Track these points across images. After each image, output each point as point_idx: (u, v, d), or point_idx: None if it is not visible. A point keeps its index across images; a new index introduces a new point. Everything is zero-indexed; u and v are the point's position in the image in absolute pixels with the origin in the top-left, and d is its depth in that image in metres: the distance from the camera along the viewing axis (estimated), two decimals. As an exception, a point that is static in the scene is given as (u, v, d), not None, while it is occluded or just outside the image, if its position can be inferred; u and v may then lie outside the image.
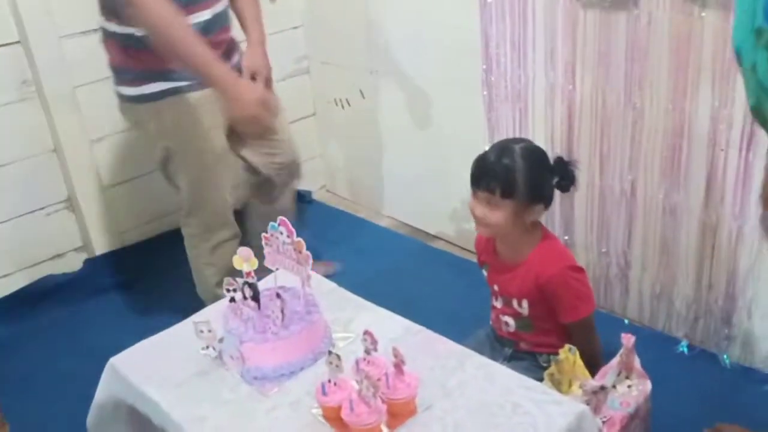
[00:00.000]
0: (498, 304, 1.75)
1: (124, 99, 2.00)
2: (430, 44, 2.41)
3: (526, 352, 1.74)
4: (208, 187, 2.02)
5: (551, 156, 1.66)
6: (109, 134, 2.60)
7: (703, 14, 1.67)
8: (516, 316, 1.71)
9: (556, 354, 1.58)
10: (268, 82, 2.07)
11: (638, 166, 1.94)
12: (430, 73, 2.48)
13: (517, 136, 2.16)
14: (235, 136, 2.01)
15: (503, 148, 1.62)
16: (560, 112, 2.05)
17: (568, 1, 1.90)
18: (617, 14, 1.82)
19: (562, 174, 1.61)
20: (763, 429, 1.70)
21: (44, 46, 2.34)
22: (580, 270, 1.66)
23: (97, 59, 2.49)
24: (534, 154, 1.61)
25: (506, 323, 1.74)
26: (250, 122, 1.85)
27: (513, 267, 1.67)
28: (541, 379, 1.49)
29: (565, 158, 1.65)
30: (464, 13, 2.20)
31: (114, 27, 1.90)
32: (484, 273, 1.80)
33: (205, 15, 1.87)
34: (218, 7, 1.92)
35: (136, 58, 1.88)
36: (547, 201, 1.62)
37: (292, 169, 2.24)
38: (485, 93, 2.22)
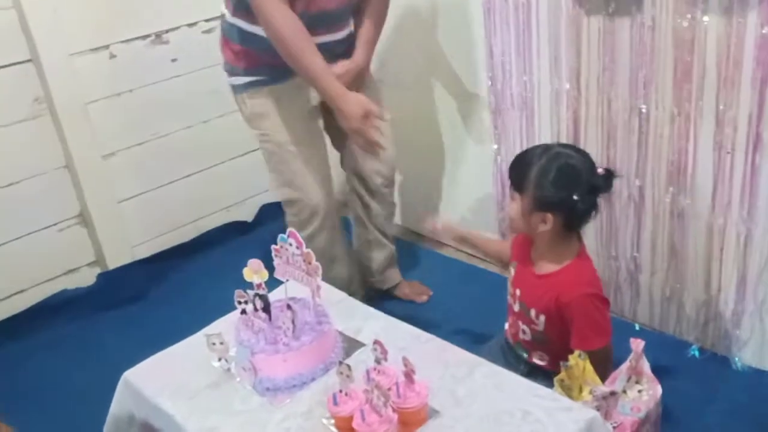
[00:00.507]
0: (516, 308, 1.72)
1: (230, 88, 2.12)
2: (436, 54, 2.43)
3: (540, 369, 1.70)
4: (286, 181, 2.07)
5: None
6: (120, 149, 2.63)
7: (706, 19, 1.67)
8: (531, 326, 1.68)
9: None
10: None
11: (645, 171, 1.95)
12: (435, 81, 2.49)
13: (526, 142, 2.17)
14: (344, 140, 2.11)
15: (542, 146, 1.63)
16: (566, 119, 2.06)
17: (572, 7, 1.91)
18: (621, 20, 1.83)
19: (585, 197, 1.54)
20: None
21: (55, 64, 2.37)
22: (604, 300, 1.61)
23: (108, 75, 2.55)
24: (560, 162, 1.54)
25: (523, 331, 1.71)
26: (356, 134, 1.91)
27: (539, 277, 1.64)
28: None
29: (598, 180, 1.56)
30: (469, 20, 2.21)
31: (240, 23, 1.97)
32: (511, 271, 1.76)
33: (323, 39, 1.93)
34: (339, 35, 1.98)
35: (242, 53, 1.99)
36: (559, 213, 1.55)
37: (390, 180, 2.27)
38: (491, 101, 2.24)
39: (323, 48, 1.89)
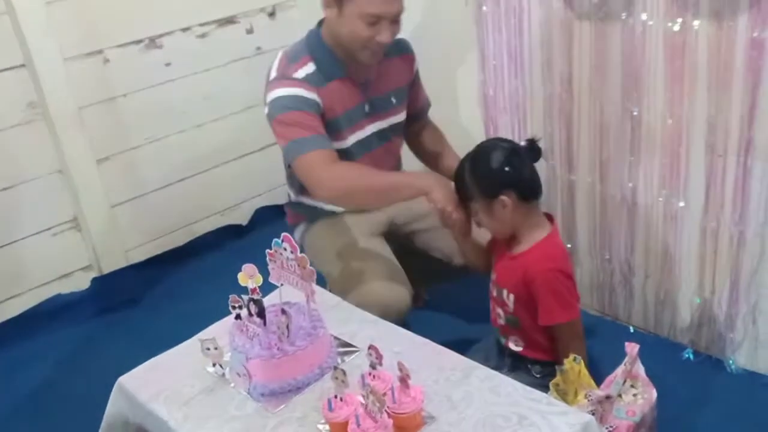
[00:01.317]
0: (494, 292, 1.76)
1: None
2: (428, 57, 2.42)
3: (521, 360, 1.73)
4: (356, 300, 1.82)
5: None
6: (114, 153, 2.63)
7: (696, 23, 1.68)
8: (504, 308, 1.72)
9: (547, 362, 1.62)
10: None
11: (638, 174, 1.95)
12: (427, 84, 2.49)
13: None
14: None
15: (463, 159, 1.70)
16: (559, 122, 2.07)
17: (564, 12, 1.92)
18: (612, 24, 1.83)
19: (512, 163, 1.61)
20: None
21: (49, 69, 2.37)
22: (569, 277, 1.66)
23: (102, 79, 2.55)
24: (477, 153, 1.66)
25: (498, 314, 1.76)
26: (440, 216, 1.76)
27: (512, 257, 1.69)
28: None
29: (521, 143, 1.68)
30: (460, 25, 2.22)
31: (305, 200, 2.03)
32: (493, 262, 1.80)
33: (366, 131, 1.95)
34: (382, 124, 1.98)
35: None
36: (507, 190, 1.60)
37: None
38: (483, 105, 2.24)
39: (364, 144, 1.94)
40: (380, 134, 1.98)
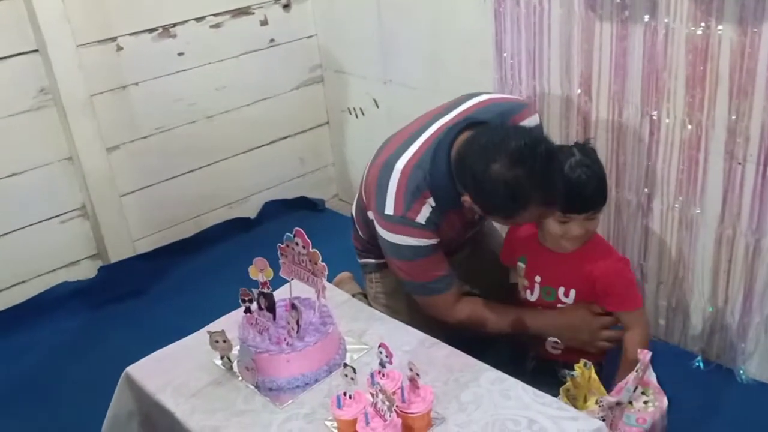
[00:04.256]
0: (533, 297, 1.75)
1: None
2: (445, 54, 2.41)
3: (546, 363, 1.72)
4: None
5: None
6: (124, 142, 2.62)
7: (720, 27, 1.66)
8: (556, 308, 1.73)
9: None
10: None
11: (655, 179, 1.93)
12: (444, 82, 2.47)
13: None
14: None
15: (576, 165, 1.60)
16: (576, 124, 2.05)
17: (585, 12, 1.90)
18: (634, 26, 1.81)
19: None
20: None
21: (62, 55, 2.35)
22: (629, 262, 1.75)
23: (114, 67, 2.53)
24: (589, 158, 1.64)
25: None
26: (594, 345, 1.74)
27: (562, 256, 1.70)
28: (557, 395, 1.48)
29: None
30: (479, 22, 2.20)
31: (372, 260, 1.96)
32: (520, 265, 1.77)
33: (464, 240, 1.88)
34: (475, 227, 1.89)
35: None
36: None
37: None
38: (500, 104, 2.22)
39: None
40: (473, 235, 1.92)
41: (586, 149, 1.67)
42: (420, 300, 1.77)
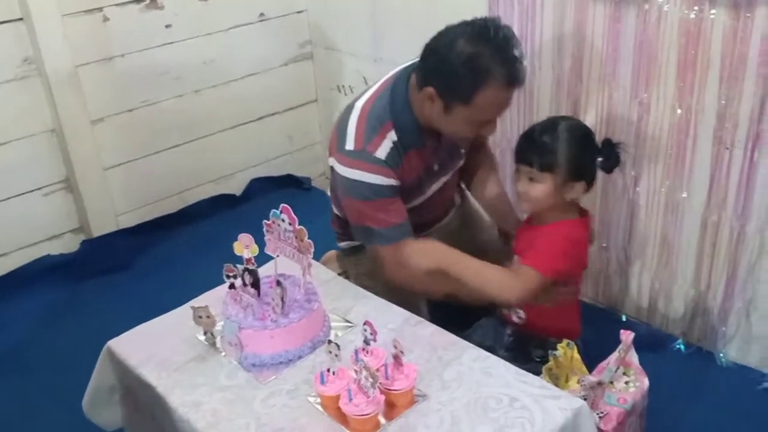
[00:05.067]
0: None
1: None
2: (435, 30, 2.38)
3: (526, 336, 1.71)
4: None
5: (599, 137, 1.66)
6: (109, 115, 2.58)
7: (713, 11, 1.65)
8: None
9: (547, 343, 1.60)
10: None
11: (642, 162, 1.93)
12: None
13: (524, 127, 2.14)
14: None
15: (548, 123, 1.63)
16: (566, 106, 2.04)
17: (578, -7, 1.89)
18: (627, 9, 1.80)
19: (607, 154, 1.60)
20: (759, 428, 1.71)
21: (47, 24, 2.31)
22: (576, 243, 1.64)
23: (100, 38, 2.49)
24: (578, 131, 1.61)
25: None
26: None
27: (534, 227, 1.68)
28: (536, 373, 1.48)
29: (613, 140, 1.63)
30: (473, 1, 2.17)
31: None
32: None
33: (432, 189, 1.80)
34: (446, 177, 1.83)
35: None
36: (589, 180, 1.61)
37: None
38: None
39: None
40: (443, 185, 1.86)
41: (583, 127, 1.64)
42: (373, 250, 1.72)
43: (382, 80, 1.72)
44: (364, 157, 1.62)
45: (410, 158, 1.67)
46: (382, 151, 1.62)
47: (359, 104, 1.68)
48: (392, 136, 1.63)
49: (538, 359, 1.65)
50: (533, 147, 1.59)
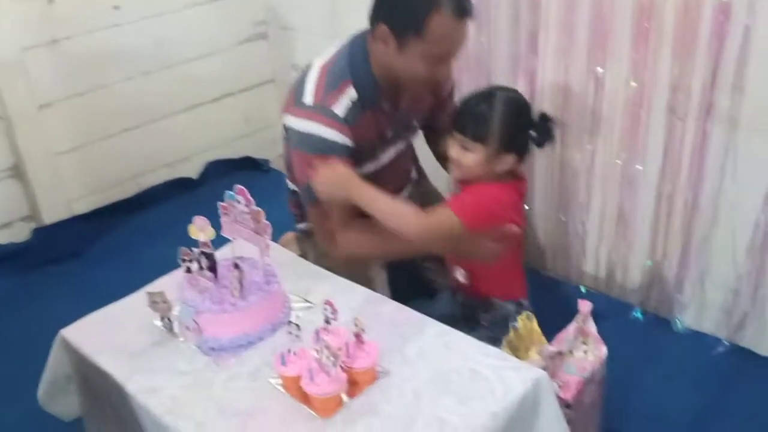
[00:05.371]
0: None
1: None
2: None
3: (475, 302, 1.72)
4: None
5: (537, 110, 1.65)
6: (57, 99, 2.51)
7: (665, -17, 1.67)
8: None
9: (493, 309, 1.63)
10: None
11: (598, 136, 1.95)
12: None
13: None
14: None
15: (486, 93, 1.62)
16: (522, 81, 2.05)
17: (531, -33, 1.88)
18: (580, -18, 1.81)
19: (541, 129, 1.59)
20: (714, 392, 1.76)
21: (-10, 6, 2.23)
22: (502, 204, 1.60)
23: (45, 21, 2.40)
24: (513, 104, 1.59)
25: None
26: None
27: (466, 185, 1.65)
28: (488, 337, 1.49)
29: (548, 115, 1.62)
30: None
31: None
32: None
33: (385, 158, 1.77)
34: (400, 146, 1.81)
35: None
36: (520, 152, 1.60)
37: None
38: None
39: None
40: (398, 155, 1.84)
41: (520, 99, 1.63)
42: (311, 210, 1.71)
43: (341, 42, 1.71)
44: (322, 111, 1.61)
45: (366, 119, 1.66)
46: (341, 108, 1.61)
47: (318, 63, 1.67)
48: (351, 94, 1.63)
49: (485, 324, 1.67)
50: (468, 116, 1.58)
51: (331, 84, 1.62)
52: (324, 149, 1.61)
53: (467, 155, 1.58)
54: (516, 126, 1.57)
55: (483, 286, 1.71)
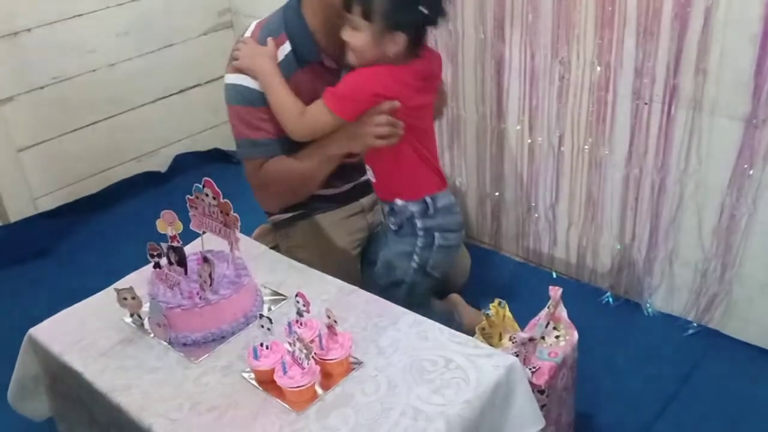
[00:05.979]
0: None
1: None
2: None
3: (383, 202, 1.71)
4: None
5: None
6: (19, 93, 2.45)
7: (628, -32, 1.68)
8: None
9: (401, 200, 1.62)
10: None
11: (565, 121, 1.96)
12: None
13: (451, 91, 2.14)
14: None
15: None
16: (490, 68, 2.05)
17: (497, -47, 1.88)
18: (545, -33, 1.81)
19: (431, 5, 1.49)
20: (686, 373, 1.79)
21: (-60, -2, 2.16)
22: (378, 81, 1.52)
23: (2, 12, 2.34)
24: None
25: None
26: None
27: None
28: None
29: None
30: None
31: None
32: None
33: None
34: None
35: None
36: (412, 31, 1.50)
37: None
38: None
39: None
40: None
41: None
42: (244, 164, 1.73)
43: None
44: None
45: (305, 76, 1.65)
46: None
47: (254, 23, 1.69)
48: (286, 47, 1.63)
49: (394, 227, 1.67)
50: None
51: (264, 37, 1.63)
52: (252, 100, 1.61)
53: (356, 35, 1.51)
54: (401, 1, 1.49)
55: (386, 185, 1.66)
